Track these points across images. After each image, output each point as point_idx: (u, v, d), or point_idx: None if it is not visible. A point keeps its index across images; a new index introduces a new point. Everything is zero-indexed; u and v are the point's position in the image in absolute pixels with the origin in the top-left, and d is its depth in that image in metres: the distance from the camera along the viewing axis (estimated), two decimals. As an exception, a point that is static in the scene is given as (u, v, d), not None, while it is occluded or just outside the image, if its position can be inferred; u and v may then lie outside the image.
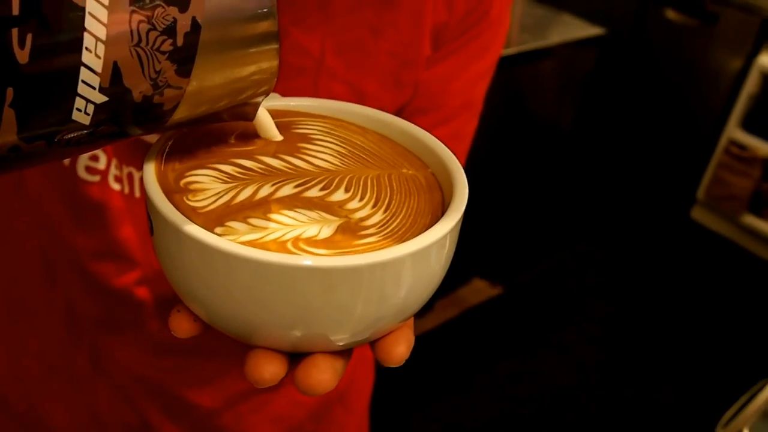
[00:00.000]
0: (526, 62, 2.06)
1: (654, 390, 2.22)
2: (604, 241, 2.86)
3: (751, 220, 2.87)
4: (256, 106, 0.37)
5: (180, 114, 0.33)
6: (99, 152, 0.55)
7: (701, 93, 2.84)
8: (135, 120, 0.31)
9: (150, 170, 0.37)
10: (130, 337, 0.63)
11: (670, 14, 2.79)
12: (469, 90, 0.62)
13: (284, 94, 0.53)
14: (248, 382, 0.62)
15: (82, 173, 0.55)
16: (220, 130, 0.41)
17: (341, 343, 0.36)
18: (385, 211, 0.37)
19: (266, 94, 0.36)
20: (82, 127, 0.29)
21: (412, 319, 0.38)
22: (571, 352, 2.32)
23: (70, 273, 0.62)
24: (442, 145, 0.42)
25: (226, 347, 0.62)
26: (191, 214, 0.34)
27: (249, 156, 0.39)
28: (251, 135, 0.40)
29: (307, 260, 0.32)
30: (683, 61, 2.85)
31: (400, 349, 0.37)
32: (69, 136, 0.30)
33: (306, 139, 0.42)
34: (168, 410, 0.67)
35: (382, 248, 0.34)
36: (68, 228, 0.59)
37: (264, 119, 0.39)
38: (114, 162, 0.55)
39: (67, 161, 0.55)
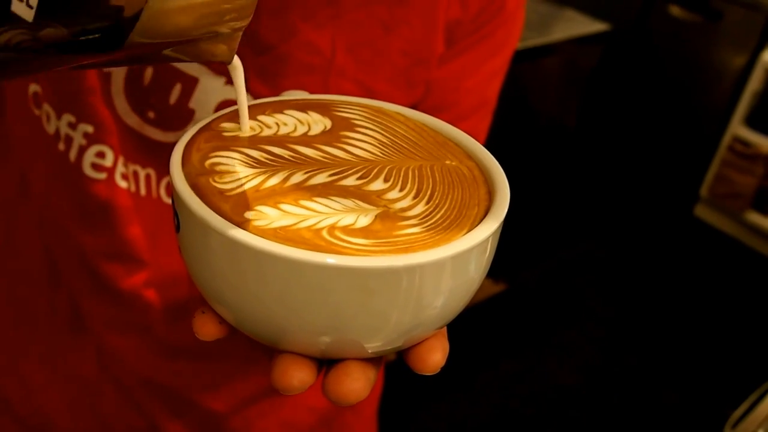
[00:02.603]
0: (530, 59, 2.05)
1: (658, 389, 2.21)
2: (607, 240, 2.84)
3: (755, 218, 2.85)
4: (231, 44, 0.33)
5: (142, 28, 0.28)
6: (106, 149, 0.54)
7: (705, 90, 2.83)
8: (88, 24, 0.27)
9: (176, 162, 0.35)
10: (138, 340, 0.62)
11: (675, 10, 2.78)
12: (483, 88, 0.61)
13: (290, 88, 0.51)
14: (256, 386, 0.61)
15: (88, 171, 0.54)
16: (251, 112, 0.39)
17: (374, 350, 0.34)
18: (427, 203, 0.35)
19: (240, 29, 0.32)
20: (25, 24, 0.25)
21: (446, 326, 0.37)
22: (573, 351, 2.31)
23: (76, 274, 0.60)
24: (478, 143, 0.40)
25: (236, 350, 0.61)
26: (218, 196, 0.32)
27: (280, 143, 0.37)
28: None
29: (342, 260, 0.30)
30: (687, 57, 2.84)
31: (435, 357, 0.35)
32: (7, 36, 0.25)
33: (345, 125, 0.39)
34: (176, 413, 0.66)
35: (425, 243, 0.32)
36: (75, 227, 0.58)
37: (238, 66, 0.36)
38: (121, 159, 0.54)
39: (72, 156, 0.53)
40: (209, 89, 0.51)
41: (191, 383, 0.64)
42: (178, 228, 0.34)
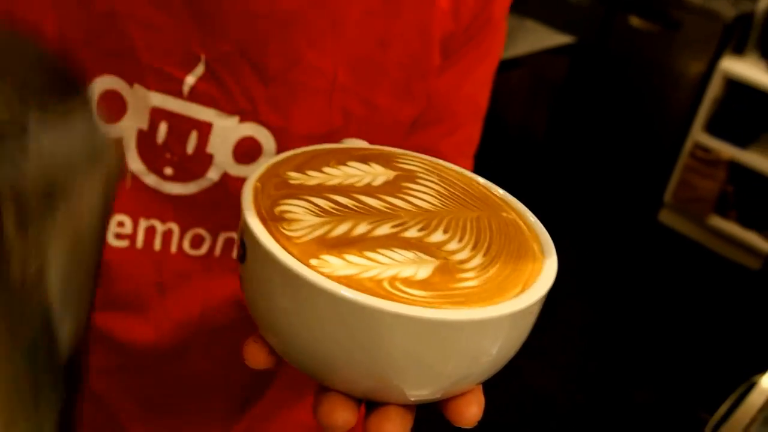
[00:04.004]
0: (498, 71, 2.08)
1: (630, 391, 2.25)
2: (576, 246, 2.89)
3: (717, 222, 2.92)
4: None
5: None
6: (124, 218, 0.53)
7: (666, 98, 2.90)
8: None
9: (248, 197, 0.36)
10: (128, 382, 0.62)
11: (635, 21, 2.84)
12: (475, 95, 0.63)
13: (300, 114, 0.52)
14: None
15: (111, 240, 0.54)
16: (315, 161, 0.40)
17: (416, 399, 0.35)
18: (485, 255, 0.36)
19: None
20: None
21: None
22: (548, 356, 2.34)
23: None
24: (517, 200, 0.41)
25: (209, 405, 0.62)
26: (287, 243, 0.34)
27: (345, 193, 0.38)
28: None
29: (401, 308, 0.31)
30: (648, 66, 2.90)
31: (472, 410, 0.36)
32: None
33: (406, 177, 0.41)
34: None
35: (482, 297, 0.33)
36: None
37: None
38: (141, 220, 0.54)
39: None
40: (224, 131, 0.51)
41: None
42: (242, 260, 0.36)
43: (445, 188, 0.40)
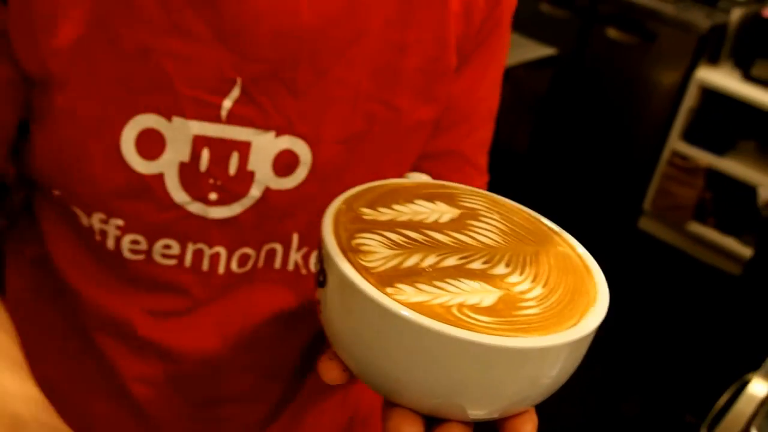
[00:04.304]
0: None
1: (617, 399, 2.28)
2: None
3: (696, 228, 2.98)
4: None
5: None
6: (139, 237, 0.55)
7: (644, 107, 2.95)
8: None
9: (328, 229, 0.40)
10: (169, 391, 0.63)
11: (612, 33, 2.90)
12: (489, 96, 0.65)
13: (329, 122, 0.54)
14: None
15: (127, 254, 0.56)
16: (385, 199, 0.44)
17: (475, 417, 0.38)
18: (544, 286, 0.39)
19: None
20: None
21: None
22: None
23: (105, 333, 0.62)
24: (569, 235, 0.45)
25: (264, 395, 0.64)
26: (364, 272, 0.37)
27: (414, 228, 0.42)
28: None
29: (470, 335, 0.34)
30: (626, 77, 2.96)
31: (527, 429, 0.39)
32: None
33: (469, 214, 0.44)
34: None
35: (542, 325, 0.36)
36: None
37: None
38: (189, 245, 0.56)
39: (111, 245, 0.55)
40: (263, 147, 0.53)
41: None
42: (322, 285, 0.40)
43: (505, 225, 0.44)
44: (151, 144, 0.51)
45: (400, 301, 0.35)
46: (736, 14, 2.81)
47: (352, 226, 0.41)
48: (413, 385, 0.37)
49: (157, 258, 0.56)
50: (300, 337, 0.65)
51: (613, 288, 0.41)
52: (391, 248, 0.40)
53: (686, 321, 2.65)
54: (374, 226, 0.42)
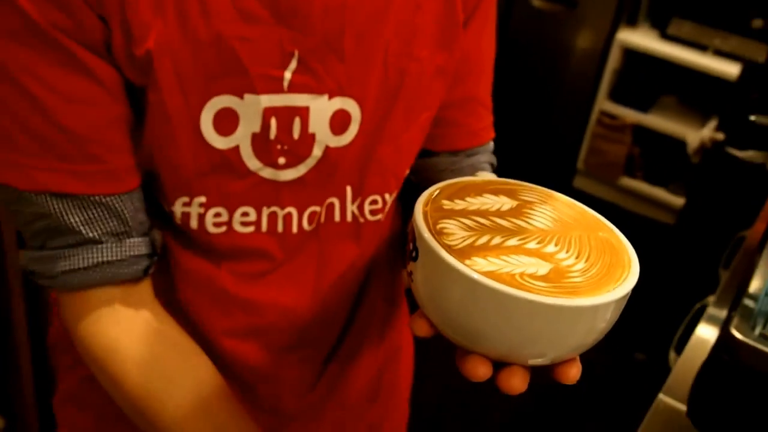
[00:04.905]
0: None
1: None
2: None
3: (627, 182, 3.16)
4: None
5: None
6: (221, 210, 0.62)
7: (571, 72, 3.09)
8: None
9: (419, 217, 0.51)
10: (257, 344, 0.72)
11: (536, 2, 3.02)
12: (489, 47, 0.75)
13: (370, 81, 0.62)
14: None
15: (210, 228, 0.64)
16: (460, 193, 0.54)
17: (534, 363, 0.49)
18: (586, 261, 0.49)
19: None
20: None
21: None
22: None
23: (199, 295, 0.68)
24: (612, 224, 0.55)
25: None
26: (447, 248, 0.48)
27: (483, 215, 0.53)
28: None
29: (533, 297, 0.44)
30: (552, 44, 3.09)
31: (575, 371, 0.50)
32: None
33: (527, 205, 0.55)
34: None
35: (586, 290, 0.46)
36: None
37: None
38: (265, 209, 0.64)
39: (194, 224, 0.63)
40: (320, 110, 0.60)
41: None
42: (414, 259, 0.50)
43: (555, 213, 0.54)
44: (226, 121, 0.58)
45: (476, 270, 0.46)
46: (650, -23, 2.96)
47: (436, 214, 0.52)
48: (486, 338, 0.47)
49: (237, 227, 0.63)
50: (359, 283, 0.75)
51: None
52: (466, 230, 0.51)
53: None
54: (452, 214, 0.52)
